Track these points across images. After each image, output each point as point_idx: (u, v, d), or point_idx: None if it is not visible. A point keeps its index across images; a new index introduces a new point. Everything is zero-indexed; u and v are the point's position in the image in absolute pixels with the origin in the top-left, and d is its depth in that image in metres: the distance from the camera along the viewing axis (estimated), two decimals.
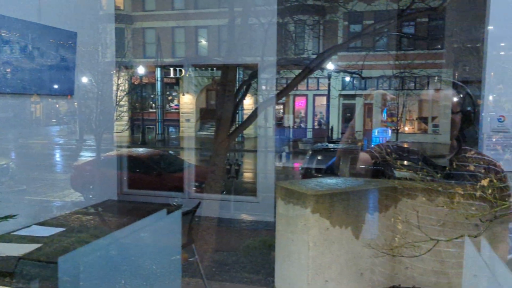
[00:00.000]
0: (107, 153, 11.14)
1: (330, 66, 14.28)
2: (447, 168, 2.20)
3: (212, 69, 21.50)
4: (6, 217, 2.19)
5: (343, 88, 19.75)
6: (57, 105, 23.76)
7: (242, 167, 11.51)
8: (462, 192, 1.80)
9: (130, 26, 19.95)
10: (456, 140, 2.31)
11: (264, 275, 5.23)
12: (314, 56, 9.87)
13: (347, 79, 19.70)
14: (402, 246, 1.95)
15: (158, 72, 22.29)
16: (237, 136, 9.65)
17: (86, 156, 16.44)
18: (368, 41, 11.48)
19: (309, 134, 21.79)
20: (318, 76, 20.00)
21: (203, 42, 22.69)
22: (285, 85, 8.85)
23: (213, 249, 5.59)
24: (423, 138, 2.50)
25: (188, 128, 22.90)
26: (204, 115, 23.32)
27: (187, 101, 23.30)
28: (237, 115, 7.91)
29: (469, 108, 2.27)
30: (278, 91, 13.40)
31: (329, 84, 18.86)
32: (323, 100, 21.66)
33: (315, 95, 22.42)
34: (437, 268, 2.18)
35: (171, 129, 23.67)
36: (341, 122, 21.03)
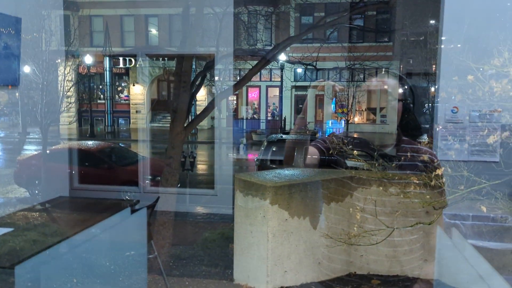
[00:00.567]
0: (53, 147, 10.64)
1: (282, 57, 14.35)
2: (396, 158, 2.28)
3: (163, 59, 21.04)
4: None
5: (296, 80, 19.99)
6: None
7: (197, 159, 11.40)
8: (417, 181, 1.88)
9: (76, 13, 19.06)
10: (398, 130, 2.40)
11: (222, 268, 5.21)
12: (269, 47, 9.89)
13: (299, 70, 19.94)
14: (359, 235, 2.01)
15: (106, 61, 21.53)
16: (194, 128, 9.53)
17: (31, 149, 15.63)
18: (322, 33, 11.65)
19: (263, 125, 21.91)
20: (272, 67, 20.12)
21: (154, 31, 22.13)
22: (238, 76, 8.80)
23: (171, 243, 5.50)
24: (372, 128, 2.58)
25: (139, 120, 22.34)
26: (156, 106, 22.83)
27: (137, 92, 22.69)
28: (192, 107, 7.77)
29: (409, 99, 2.38)
30: (235, 82, 13.33)
31: (281, 76, 19.01)
32: (276, 91, 21.82)
33: (268, 86, 22.55)
34: (390, 255, 2.27)
35: (121, 120, 23.01)
36: (294, 113, 21.33)
